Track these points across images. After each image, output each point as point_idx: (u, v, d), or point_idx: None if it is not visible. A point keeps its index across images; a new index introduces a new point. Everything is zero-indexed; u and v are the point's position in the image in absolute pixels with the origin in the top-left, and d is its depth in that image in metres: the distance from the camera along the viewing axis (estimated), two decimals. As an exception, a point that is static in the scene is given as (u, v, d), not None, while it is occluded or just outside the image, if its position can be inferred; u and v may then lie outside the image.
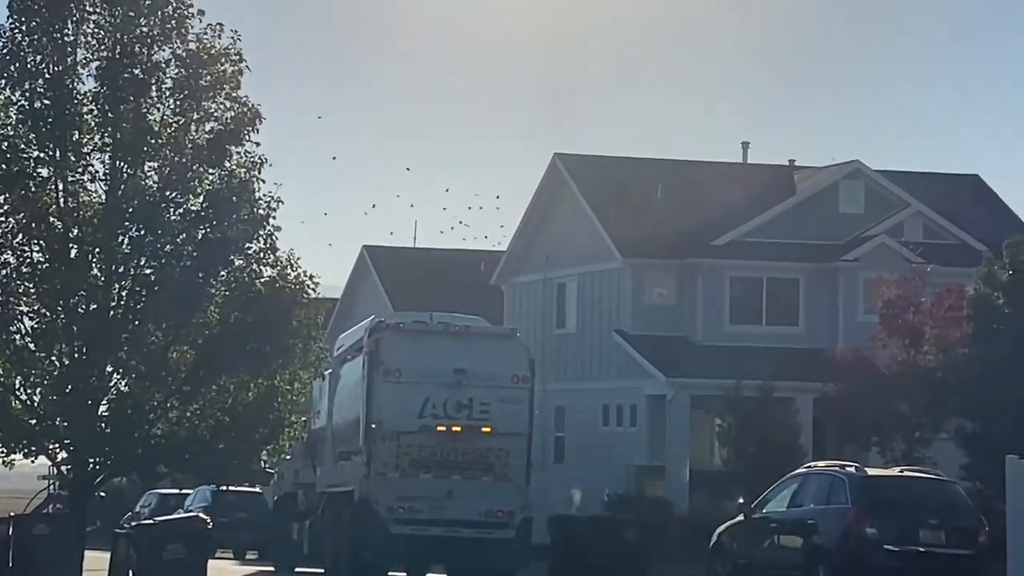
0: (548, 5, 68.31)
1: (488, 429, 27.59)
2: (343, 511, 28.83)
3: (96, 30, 26.45)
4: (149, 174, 26.62)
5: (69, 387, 26.51)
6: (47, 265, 26.44)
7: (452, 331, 28.17)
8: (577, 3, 72.37)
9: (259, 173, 26.89)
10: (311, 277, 27.40)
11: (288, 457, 30.50)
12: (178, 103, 26.65)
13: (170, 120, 26.61)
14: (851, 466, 24.31)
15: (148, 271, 26.62)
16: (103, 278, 26.43)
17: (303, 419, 28.58)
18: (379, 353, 27.57)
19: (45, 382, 26.66)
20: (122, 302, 26.47)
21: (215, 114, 26.76)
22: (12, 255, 26.39)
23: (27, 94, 26.38)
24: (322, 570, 30.16)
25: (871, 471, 24.45)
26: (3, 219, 26.35)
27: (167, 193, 26.52)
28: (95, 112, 26.42)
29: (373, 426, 27.44)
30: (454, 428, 27.44)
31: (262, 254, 27.01)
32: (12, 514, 27.37)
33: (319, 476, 31.76)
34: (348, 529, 28.31)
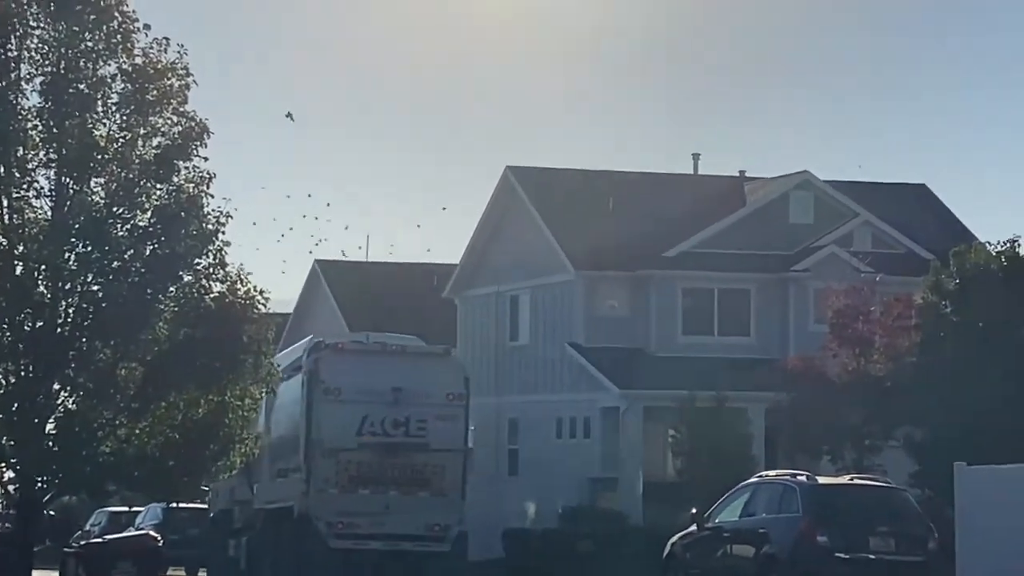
0: (498, 17, 68.19)
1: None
2: (282, 527, 29.06)
3: (40, 45, 26.19)
4: (95, 190, 26.38)
5: (15, 405, 26.24)
6: (-8, 282, 26.21)
7: (389, 351, 28.90)
8: (525, 15, 72.37)
9: (207, 188, 26.76)
10: (261, 292, 27.24)
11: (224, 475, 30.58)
12: (124, 118, 26.43)
13: (116, 135, 26.38)
14: (802, 475, 24.37)
15: (95, 288, 26.38)
16: (49, 295, 26.18)
17: (255, 435, 28.48)
18: (319, 373, 28.19)
19: (-9, 401, 26.41)
20: (69, 319, 26.23)
21: (162, 129, 26.57)
22: (-44, 273, 26.14)
23: (-30, 110, 26.15)
24: (260, 585, 30.20)
25: (822, 479, 24.54)
26: (-53, 237, 26.12)
27: (114, 209, 26.29)
28: (40, 128, 26.15)
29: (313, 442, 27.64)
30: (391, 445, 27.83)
31: (211, 269, 26.82)
32: (-41, 534, 27.16)
33: (256, 493, 31.80)
34: (288, 545, 28.56)
